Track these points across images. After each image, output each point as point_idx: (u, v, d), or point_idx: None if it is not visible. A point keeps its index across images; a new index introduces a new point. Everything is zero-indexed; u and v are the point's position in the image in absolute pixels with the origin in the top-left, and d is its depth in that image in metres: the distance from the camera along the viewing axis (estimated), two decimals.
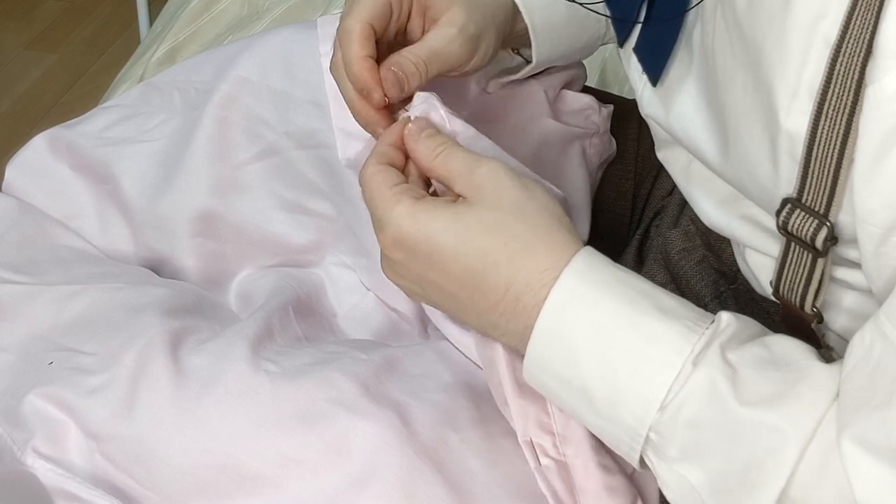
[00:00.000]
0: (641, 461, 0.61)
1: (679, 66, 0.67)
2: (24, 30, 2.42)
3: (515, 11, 0.79)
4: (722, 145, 0.63)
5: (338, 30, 0.73)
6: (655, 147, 0.74)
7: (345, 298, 0.83)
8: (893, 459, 0.52)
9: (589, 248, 0.62)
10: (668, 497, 0.60)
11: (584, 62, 0.94)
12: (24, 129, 2.11)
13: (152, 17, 2.15)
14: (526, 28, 0.80)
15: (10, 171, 0.89)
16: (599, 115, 0.90)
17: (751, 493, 0.56)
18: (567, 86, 0.91)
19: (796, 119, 0.55)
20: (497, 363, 0.68)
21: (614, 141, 0.92)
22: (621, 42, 0.71)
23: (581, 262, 0.60)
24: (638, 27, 0.68)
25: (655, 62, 0.68)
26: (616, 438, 0.60)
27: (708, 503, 0.58)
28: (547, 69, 0.88)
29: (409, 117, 0.70)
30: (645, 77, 0.69)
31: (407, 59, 0.72)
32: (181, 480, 0.67)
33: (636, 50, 0.69)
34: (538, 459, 0.67)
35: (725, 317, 0.59)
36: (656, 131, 0.73)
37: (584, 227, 0.86)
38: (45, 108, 2.21)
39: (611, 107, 0.92)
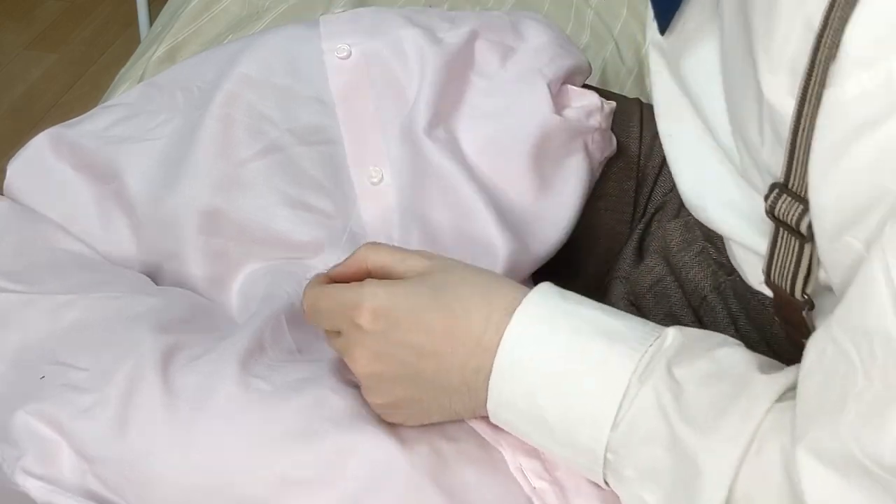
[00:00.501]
0: (607, 484, 0.63)
1: (701, 18, 0.67)
2: (24, 29, 2.42)
3: None
4: (726, 102, 0.64)
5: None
6: (656, 116, 0.74)
7: None
8: (845, 468, 0.52)
9: (541, 286, 0.66)
10: None
11: None
12: (24, 128, 2.11)
13: (152, 17, 2.15)
14: None
15: (11, 170, 0.89)
16: (602, 112, 0.90)
17: None
18: (570, 79, 0.91)
19: (776, 92, 0.55)
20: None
21: (615, 139, 0.92)
22: None
23: (531, 300, 0.64)
24: None
25: (666, 10, 0.68)
26: (580, 465, 0.63)
27: None
28: (551, 59, 0.88)
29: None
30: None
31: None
32: (174, 502, 0.67)
33: None
34: (531, 484, 0.68)
35: (672, 333, 0.62)
36: (662, 94, 0.73)
37: (568, 223, 0.87)
38: (45, 108, 2.21)
39: (613, 104, 0.92)
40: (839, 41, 0.51)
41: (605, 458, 0.61)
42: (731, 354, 0.61)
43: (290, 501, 0.66)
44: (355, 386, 0.71)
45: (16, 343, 0.75)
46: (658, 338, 0.62)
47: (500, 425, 0.66)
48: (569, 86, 0.90)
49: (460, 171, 0.84)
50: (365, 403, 0.69)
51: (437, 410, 0.68)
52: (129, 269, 0.85)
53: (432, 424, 0.70)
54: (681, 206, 0.87)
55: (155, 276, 0.86)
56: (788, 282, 0.61)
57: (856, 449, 0.51)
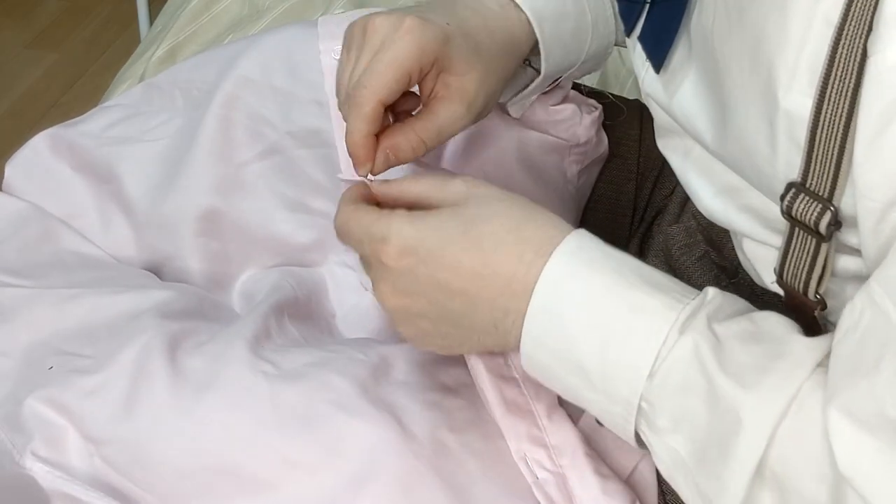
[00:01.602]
0: (637, 439, 0.61)
1: (680, 52, 0.68)
2: (24, 29, 2.42)
3: (529, 37, 0.79)
4: (721, 129, 0.64)
5: (351, 90, 0.70)
6: (656, 135, 0.74)
7: (346, 298, 0.84)
8: (878, 428, 0.51)
9: (581, 230, 0.63)
10: (661, 470, 0.61)
11: None
12: (24, 128, 2.10)
13: (152, 17, 2.14)
14: (535, 43, 0.79)
15: (10, 170, 0.89)
16: (582, 125, 0.90)
17: (728, 464, 0.56)
18: (557, 82, 0.91)
19: (795, 98, 0.55)
20: (482, 388, 0.70)
21: (605, 141, 0.92)
22: (628, 31, 0.72)
23: (572, 240, 0.62)
24: (643, 18, 0.68)
25: (659, 50, 0.68)
26: (613, 413, 0.61)
27: (694, 474, 0.59)
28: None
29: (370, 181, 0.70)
30: (648, 64, 0.70)
31: (406, 144, 0.71)
32: (179, 483, 0.67)
33: (640, 38, 0.70)
34: (534, 473, 0.67)
35: (712, 291, 0.61)
36: (658, 116, 0.73)
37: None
38: (45, 108, 2.21)
39: (597, 111, 0.91)
40: (869, 20, 0.50)
41: (640, 406, 0.59)
42: (769, 317, 0.60)
43: (292, 483, 0.66)
44: (363, 369, 0.71)
45: (24, 337, 0.76)
46: (700, 294, 0.61)
47: (532, 369, 0.64)
48: (548, 104, 0.90)
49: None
50: (369, 389, 0.69)
51: (466, 344, 0.67)
52: (133, 267, 0.85)
53: (436, 413, 0.70)
54: (681, 210, 0.87)
55: (156, 276, 0.86)
56: (802, 282, 0.61)
57: (890, 408, 0.50)
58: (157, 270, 0.86)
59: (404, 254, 0.63)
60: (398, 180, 0.68)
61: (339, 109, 0.72)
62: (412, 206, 0.66)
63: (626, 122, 0.94)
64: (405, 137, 0.71)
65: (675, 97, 0.68)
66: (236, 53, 0.89)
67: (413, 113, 0.74)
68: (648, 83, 0.71)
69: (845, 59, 0.52)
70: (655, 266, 0.84)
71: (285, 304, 0.79)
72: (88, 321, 0.76)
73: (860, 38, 0.51)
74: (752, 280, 0.74)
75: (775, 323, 0.60)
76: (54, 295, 0.78)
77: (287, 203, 0.84)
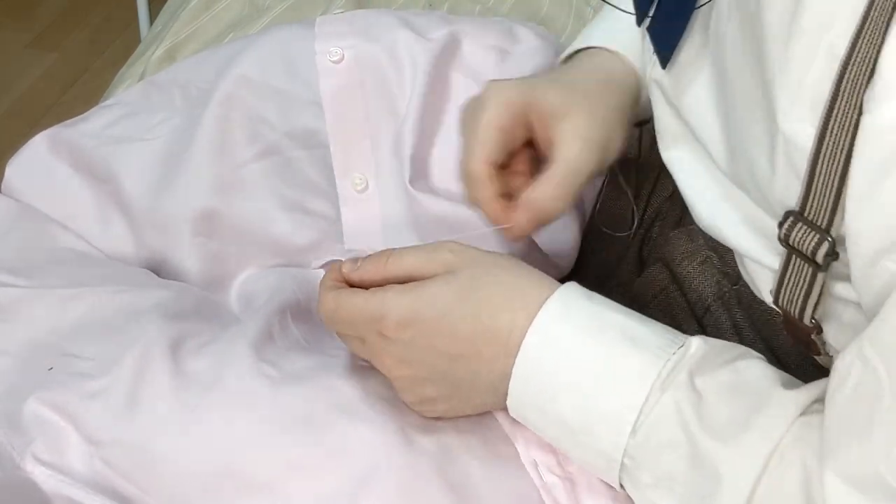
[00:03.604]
0: (622, 487, 0.63)
1: (694, 49, 0.68)
2: (24, 29, 2.42)
3: (630, 72, 0.79)
4: (728, 134, 0.63)
5: (463, 171, 0.74)
6: (660, 147, 0.74)
7: None
8: (872, 491, 0.52)
9: (568, 285, 0.65)
10: None
11: None
12: (24, 128, 2.10)
13: (152, 16, 2.14)
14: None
15: (10, 170, 0.89)
16: None
17: None
18: None
19: (794, 125, 0.55)
20: None
21: None
22: (639, 22, 0.72)
23: (558, 300, 0.64)
24: (654, 8, 0.69)
25: (666, 44, 0.69)
26: (597, 467, 0.63)
27: None
28: (546, 60, 0.88)
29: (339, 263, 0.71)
30: (656, 57, 0.70)
31: (545, 196, 0.72)
32: (181, 485, 0.67)
33: (649, 30, 0.70)
34: (542, 478, 0.68)
35: (696, 342, 0.62)
36: (661, 115, 0.73)
37: (569, 236, 0.87)
38: (45, 107, 2.21)
39: None
40: (873, 67, 0.50)
41: (623, 462, 0.61)
42: (752, 367, 0.61)
43: (294, 486, 0.66)
44: (366, 373, 0.71)
45: (23, 337, 0.76)
46: (682, 346, 0.62)
47: (521, 421, 0.67)
48: None
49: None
50: (373, 391, 0.70)
51: (469, 406, 0.69)
52: (132, 266, 0.85)
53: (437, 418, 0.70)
54: (682, 215, 0.86)
55: (154, 275, 0.86)
56: (798, 307, 0.61)
57: (885, 471, 0.51)
58: (156, 270, 0.85)
59: (403, 326, 0.65)
60: (380, 260, 0.68)
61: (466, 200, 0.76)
62: (402, 282, 0.67)
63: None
64: (547, 193, 0.72)
65: (687, 94, 0.68)
66: (235, 53, 0.89)
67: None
68: (658, 71, 0.71)
69: (849, 94, 0.52)
70: (656, 272, 0.84)
71: (288, 305, 0.79)
72: (88, 320, 0.76)
73: (864, 76, 0.51)
74: None
75: (759, 374, 0.61)
76: (53, 294, 0.78)
77: (285, 203, 0.84)
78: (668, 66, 0.69)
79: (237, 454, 0.67)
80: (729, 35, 0.62)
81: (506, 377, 0.64)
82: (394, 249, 0.69)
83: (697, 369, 0.60)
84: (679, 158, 0.72)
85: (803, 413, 0.58)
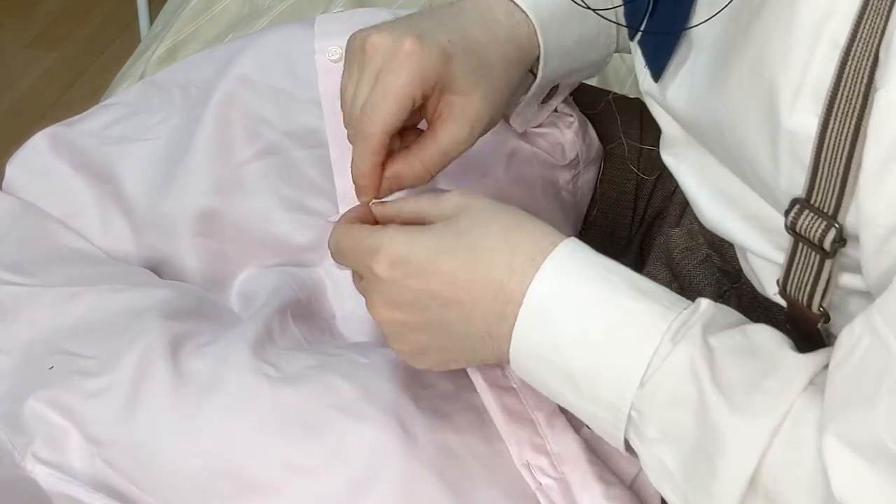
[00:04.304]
0: (627, 446, 0.62)
1: (678, 54, 0.68)
2: (24, 28, 2.42)
3: (534, 50, 0.78)
4: (721, 135, 0.64)
5: (356, 121, 0.70)
6: (661, 149, 0.74)
7: (345, 298, 0.83)
8: (875, 457, 0.52)
9: (572, 238, 0.64)
10: (650, 478, 0.62)
11: None
12: (24, 127, 2.09)
13: (152, 16, 2.14)
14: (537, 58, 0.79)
15: (11, 169, 0.89)
16: (566, 141, 0.89)
17: (717, 480, 0.57)
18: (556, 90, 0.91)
19: (799, 117, 0.55)
20: (482, 395, 0.70)
21: (595, 142, 0.91)
22: (631, 36, 0.72)
23: (564, 248, 0.62)
24: (646, 22, 0.68)
25: (658, 57, 0.68)
26: (601, 420, 0.61)
27: (681, 486, 0.59)
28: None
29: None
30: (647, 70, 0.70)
31: (410, 173, 0.72)
32: (181, 485, 0.67)
33: (641, 43, 0.70)
34: (537, 480, 0.67)
35: (705, 302, 0.61)
36: (661, 121, 0.73)
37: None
38: (45, 107, 2.21)
39: (575, 121, 0.90)
40: (877, 50, 0.51)
41: (630, 415, 0.60)
42: (762, 331, 0.60)
43: (294, 486, 0.66)
44: (366, 372, 0.71)
45: (24, 336, 0.76)
46: (693, 304, 0.61)
47: (521, 374, 0.65)
48: (532, 129, 0.89)
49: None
50: (373, 391, 0.69)
51: (462, 357, 0.67)
52: (133, 265, 0.85)
53: (438, 416, 0.70)
54: (682, 213, 0.87)
55: (155, 274, 0.86)
56: (806, 295, 0.61)
57: (888, 439, 0.51)
58: (156, 269, 0.85)
59: (396, 264, 0.63)
60: (395, 201, 0.68)
61: (348, 138, 0.73)
62: (409, 223, 0.66)
63: (627, 120, 0.94)
64: (409, 166, 0.71)
65: (669, 97, 0.68)
66: (235, 52, 0.89)
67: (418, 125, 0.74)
68: (648, 82, 0.71)
69: (852, 80, 0.52)
70: (656, 270, 0.84)
71: (288, 305, 0.79)
72: (89, 319, 0.76)
73: (867, 59, 0.51)
74: (753, 285, 0.74)
75: (768, 337, 0.60)
76: (54, 293, 0.78)
77: (285, 203, 0.84)
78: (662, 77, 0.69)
79: (237, 454, 0.67)
80: (717, 40, 0.62)
81: (503, 320, 0.63)
82: (410, 197, 0.68)
83: (709, 328, 0.59)
84: (679, 158, 0.72)
85: (814, 379, 0.57)
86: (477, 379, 0.71)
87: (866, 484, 0.52)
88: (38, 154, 0.88)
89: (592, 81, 1.19)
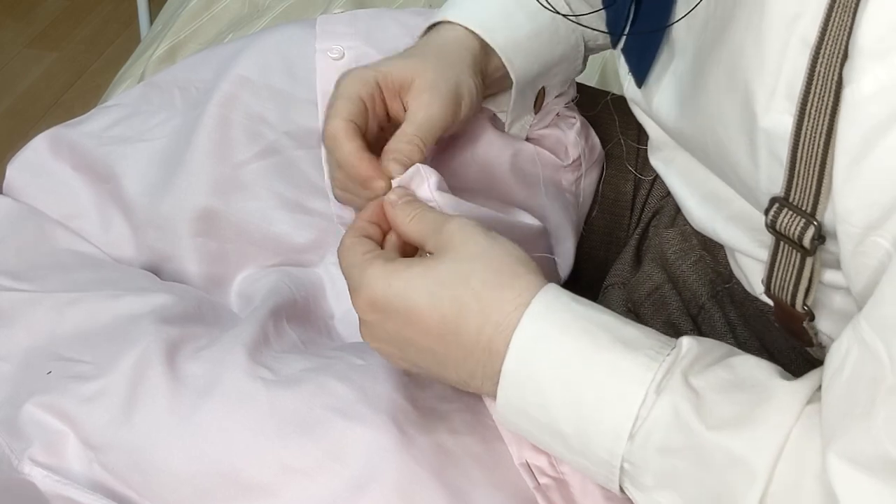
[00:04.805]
0: (623, 491, 0.62)
1: (660, 61, 0.68)
2: (24, 28, 2.42)
3: (484, 48, 0.80)
4: (700, 137, 0.64)
5: (324, 137, 0.74)
6: (649, 153, 0.74)
7: (343, 298, 0.83)
8: (880, 469, 0.52)
9: (550, 287, 0.63)
10: None
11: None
12: (24, 127, 2.11)
13: (153, 16, 2.15)
14: (502, 63, 0.80)
15: (11, 171, 0.89)
16: (569, 142, 0.89)
17: None
18: (552, 106, 0.91)
19: (774, 117, 0.56)
20: (484, 397, 0.70)
21: (597, 145, 0.92)
22: (614, 44, 0.72)
23: (541, 302, 0.62)
24: (627, 28, 0.69)
25: (642, 64, 0.69)
26: (594, 473, 0.62)
27: None
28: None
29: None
30: (630, 76, 0.71)
31: (401, 143, 0.73)
32: (179, 489, 0.67)
33: (624, 51, 0.70)
34: (536, 479, 0.67)
35: (686, 342, 0.60)
36: (647, 126, 0.73)
37: (568, 244, 0.87)
38: (45, 107, 2.21)
39: (577, 122, 0.90)
40: (846, 46, 0.51)
41: (622, 467, 0.60)
42: (746, 362, 0.60)
43: (291, 488, 0.66)
44: (363, 373, 0.71)
45: (22, 341, 0.76)
46: (674, 348, 0.60)
47: (510, 428, 0.66)
48: (535, 130, 0.89)
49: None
50: (368, 393, 0.69)
51: (450, 382, 0.67)
52: (133, 267, 0.85)
53: (436, 417, 0.70)
54: (676, 215, 0.87)
55: (155, 276, 0.86)
56: (789, 294, 0.61)
57: (891, 448, 0.51)
58: (156, 271, 0.86)
59: (372, 306, 0.64)
60: (407, 212, 0.68)
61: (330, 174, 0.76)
62: (410, 241, 0.68)
63: (625, 121, 0.94)
64: (402, 140, 0.72)
65: (654, 104, 0.69)
66: (235, 53, 0.89)
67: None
68: (632, 90, 0.71)
69: (823, 77, 0.52)
70: (651, 271, 0.84)
71: (283, 306, 0.79)
72: (87, 326, 0.76)
73: (837, 57, 0.52)
74: None
75: (755, 368, 0.60)
76: (53, 299, 0.78)
77: (285, 203, 0.84)
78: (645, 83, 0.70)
79: (234, 458, 0.67)
80: (694, 44, 0.62)
81: (474, 377, 0.63)
82: (422, 208, 0.68)
83: (690, 369, 0.59)
84: (666, 162, 0.72)
85: (810, 402, 0.57)
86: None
87: (874, 498, 0.52)
88: (38, 155, 0.88)
89: (592, 82, 1.19)
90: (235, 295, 0.85)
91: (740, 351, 0.62)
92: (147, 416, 0.69)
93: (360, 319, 0.66)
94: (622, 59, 0.72)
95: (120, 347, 0.72)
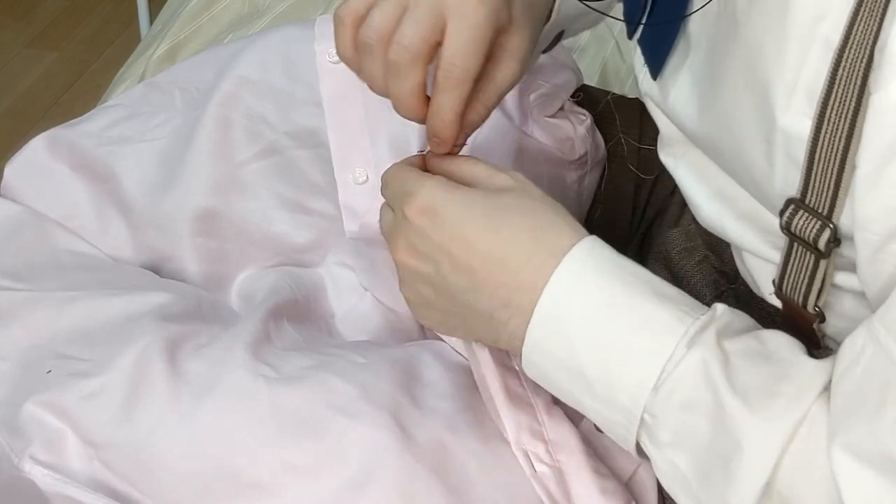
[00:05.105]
0: (638, 448, 0.61)
1: (676, 56, 0.68)
2: (24, 28, 2.42)
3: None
4: (716, 135, 0.63)
5: (441, 74, 0.65)
6: (659, 149, 0.74)
7: (345, 298, 0.83)
8: (884, 468, 0.52)
9: (593, 237, 0.63)
10: (662, 482, 0.61)
11: (585, 62, 0.94)
12: (24, 127, 2.11)
13: (153, 16, 2.15)
14: None
15: (10, 171, 0.89)
16: (577, 137, 0.89)
17: (732, 484, 0.56)
18: (559, 90, 0.90)
19: (793, 118, 0.55)
20: (486, 375, 0.70)
21: (601, 144, 0.92)
22: (630, 34, 0.72)
23: (583, 248, 0.62)
24: (645, 18, 0.68)
25: (657, 55, 0.68)
26: (613, 422, 0.61)
27: (695, 490, 0.59)
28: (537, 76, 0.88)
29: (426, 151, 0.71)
30: (646, 68, 0.70)
31: (476, 117, 0.68)
32: (179, 487, 0.67)
33: (640, 42, 0.70)
34: (533, 467, 0.67)
35: (721, 307, 0.60)
36: (659, 121, 0.73)
37: None
38: (45, 107, 2.21)
39: (588, 119, 0.90)
40: (871, 52, 0.50)
41: (642, 418, 0.59)
42: (776, 336, 0.60)
43: (291, 487, 0.66)
44: (364, 371, 0.71)
45: (21, 340, 0.76)
46: (710, 309, 0.60)
47: (531, 371, 0.64)
48: (544, 117, 0.89)
49: None
50: (369, 391, 0.69)
51: (462, 328, 0.67)
52: (132, 266, 0.85)
53: (436, 416, 0.70)
54: (681, 214, 0.87)
55: (155, 275, 0.86)
56: (801, 294, 0.61)
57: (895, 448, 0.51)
58: (156, 270, 0.85)
59: (425, 211, 0.64)
60: (457, 158, 0.68)
61: (356, 63, 0.68)
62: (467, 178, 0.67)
63: (626, 121, 0.94)
64: (475, 111, 0.69)
65: (669, 97, 0.68)
66: (235, 53, 0.89)
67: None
68: (647, 83, 0.71)
69: (845, 81, 0.52)
70: (655, 270, 0.84)
71: (284, 306, 0.79)
72: (86, 324, 0.76)
73: (861, 62, 0.51)
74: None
75: (783, 343, 0.60)
76: (51, 298, 0.77)
77: (285, 203, 0.84)
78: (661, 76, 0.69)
79: (235, 456, 0.67)
80: (713, 41, 0.62)
81: (508, 307, 0.63)
82: (473, 160, 0.68)
83: (724, 332, 0.59)
84: (677, 159, 0.72)
85: (827, 386, 0.57)
86: (484, 355, 0.70)
87: (877, 494, 0.52)
88: (36, 156, 0.88)
89: (592, 82, 1.19)
90: (236, 295, 0.84)
91: (763, 328, 0.62)
92: (147, 413, 0.69)
93: (399, 230, 0.65)
94: (637, 51, 0.71)
95: (120, 345, 0.72)
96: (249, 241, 0.84)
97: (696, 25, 0.66)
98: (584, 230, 0.64)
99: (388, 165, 0.81)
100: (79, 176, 0.87)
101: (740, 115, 0.59)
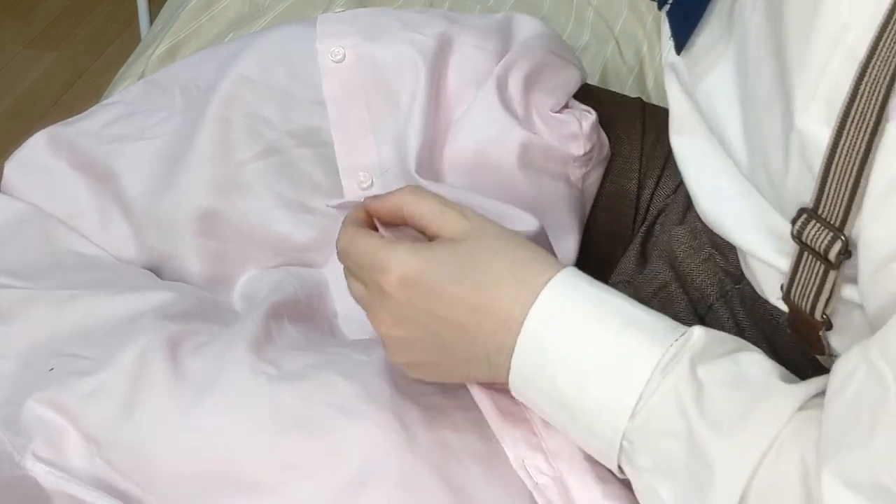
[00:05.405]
0: (621, 471, 0.63)
1: (712, 36, 0.67)
2: (24, 28, 2.42)
3: None
4: (745, 126, 0.63)
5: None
6: (670, 132, 0.73)
7: (347, 297, 0.83)
8: (873, 496, 0.52)
9: (570, 268, 0.64)
10: None
11: (585, 62, 0.93)
12: (24, 127, 2.10)
13: (153, 16, 2.15)
14: None
15: (9, 169, 0.89)
16: (583, 134, 0.89)
17: None
18: (564, 86, 0.90)
19: (809, 123, 0.55)
20: (475, 394, 0.70)
21: (606, 143, 0.92)
22: (660, 6, 0.72)
23: (560, 279, 0.63)
24: None
25: (683, 28, 0.68)
26: (596, 449, 0.63)
27: None
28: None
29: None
30: (672, 42, 0.70)
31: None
32: (180, 485, 0.67)
33: (669, 13, 0.70)
34: (534, 479, 0.67)
35: (697, 331, 0.61)
36: (675, 109, 0.72)
37: (570, 240, 0.86)
38: (45, 107, 2.21)
39: (593, 116, 0.91)
40: (894, 71, 0.50)
41: (622, 445, 0.61)
42: (753, 359, 0.61)
43: (292, 486, 0.66)
44: (365, 370, 0.71)
45: (22, 339, 0.76)
46: (683, 334, 0.61)
47: (521, 400, 0.66)
48: (549, 112, 0.89)
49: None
50: (370, 390, 0.69)
51: (455, 375, 0.68)
52: (133, 266, 0.85)
53: (437, 414, 0.70)
54: (686, 212, 0.86)
55: (156, 275, 0.85)
56: (809, 303, 0.61)
57: (886, 477, 0.51)
58: (157, 270, 0.85)
59: (405, 284, 0.64)
60: (397, 200, 0.68)
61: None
62: (411, 225, 0.67)
63: (628, 119, 0.93)
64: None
65: (703, 81, 0.68)
66: (236, 52, 0.89)
67: None
68: (672, 55, 0.71)
69: (867, 96, 0.52)
70: (659, 268, 0.84)
71: (285, 305, 0.79)
72: (87, 322, 0.76)
73: (885, 77, 0.51)
74: None
75: (759, 366, 0.60)
76: (52, 296, 0.77)
77: (286, 203, 0.84)
78: (684, 51, 0.69)
79: (235, 454, 0.67)
80: (753, 25, 0.62)
81: (502, 351, 0.63)
82: (414, 192, 0.68)
83: (699, 358, 0.60)
84: (688, 147, 0.72)
85: (803, 407, 0.58)
86: (473, 385, 0.71)
87: None
88: (36, 154, 0.88)
89: (593, 81, 1.19)
90: (239, 296, 0.84)
91: (753, 347, 0.63)
92: (148, 411, 0.69)
93: (379, 304, 0.65)
94: (665, 24, 0.71)
95: (121, 343, 0.72)
96: (251, 240, 0.84)
97: (739, 8, 0.65)
98: (553, 258, 0.65)
99: (389, 170, 0.81)
100: (79, 174, 0.87)
101: (768, 106, 0.59)
